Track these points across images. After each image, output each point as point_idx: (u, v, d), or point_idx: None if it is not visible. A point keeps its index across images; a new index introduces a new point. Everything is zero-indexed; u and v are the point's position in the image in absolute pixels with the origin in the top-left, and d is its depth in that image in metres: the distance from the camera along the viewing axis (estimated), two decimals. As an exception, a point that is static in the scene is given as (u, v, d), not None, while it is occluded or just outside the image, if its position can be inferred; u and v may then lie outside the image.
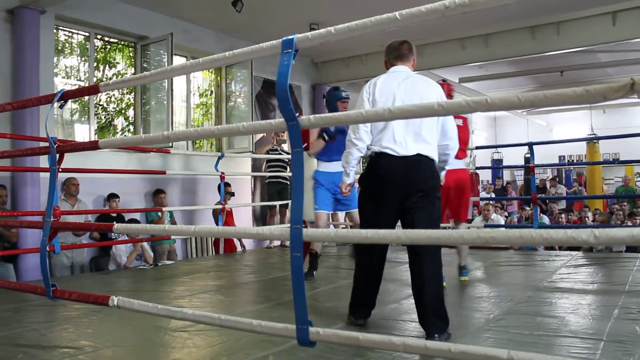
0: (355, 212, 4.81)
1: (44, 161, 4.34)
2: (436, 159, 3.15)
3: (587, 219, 10.49)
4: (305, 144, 1.58)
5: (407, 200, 3.01)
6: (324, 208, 4.89)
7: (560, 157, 17.23)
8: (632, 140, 13.69)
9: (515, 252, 6.62)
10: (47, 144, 2.63)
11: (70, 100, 7.49)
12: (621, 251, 6.90)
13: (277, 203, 7.70)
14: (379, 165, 3.09)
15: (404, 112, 1.50)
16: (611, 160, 13.86)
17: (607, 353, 2.66)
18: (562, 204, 12.03)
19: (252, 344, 2.87)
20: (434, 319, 2.91)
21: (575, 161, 16.73)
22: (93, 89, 2.54)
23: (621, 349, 2.71)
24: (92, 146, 2.62)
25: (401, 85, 3.17)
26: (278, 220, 8.17)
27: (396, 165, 3.02)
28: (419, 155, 3.04)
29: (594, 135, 12.82)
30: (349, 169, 3.29)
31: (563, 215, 10.69)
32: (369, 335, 1.63)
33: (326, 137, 4.77)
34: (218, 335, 3.10)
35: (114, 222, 2.72)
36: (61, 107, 2.62)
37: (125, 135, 8.00)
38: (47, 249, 2.59)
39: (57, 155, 2.62)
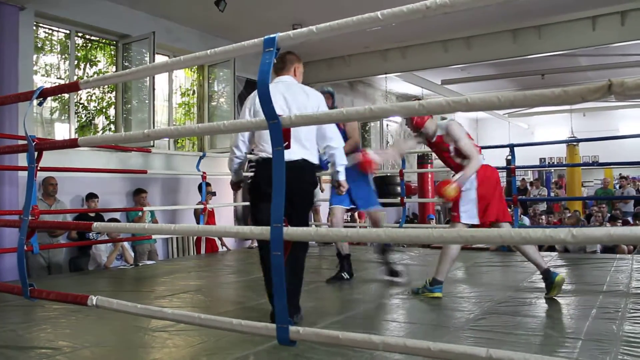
0: (374, 210, 4.87)
1: (22, 160, 4.29)
2: (316, 162, 3.38)
3: (566, 220, 10.61)
4: (286, 143, 1.56)
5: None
6: (339, 203, 4.81)
7: (541, 159, 17.42)
8: (612, 144, 13.90)
9: (495, 253, 6.67)
10: (26, 142, 2.60)
11: (50, 99, 7.43)
12: (595, 251, 6.99)
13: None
14: (261, 170, 3.38)
15: (385, 112, 1.51)
16: (590, 162, 14.03)
17: (585, 352, 2.68)
18: (544, 206, 12.15)
19: (233, 343, 2.86)
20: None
21: (555, 163, 16.91)
22: (73, 87, 2.51)
23: (599, 347, 2.74)
24: (71, 144, 2.59)
25: (283, 94, 3.33)
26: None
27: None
28: (300, 160, 3.25)
29: (574, 138, 12.97)
30: (232, 173, 3.66)
31: (543, 217, 10.80)
32: (349, 334, 1.63)
33: None
34: (198, 335, 3.08)
35: (93, 222, 2.69)
36: (40, 104, 2.59)
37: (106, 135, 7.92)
38: (25, 248, 2.55)
39: (36, 154, 2.59)
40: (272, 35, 1.76)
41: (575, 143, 11.74)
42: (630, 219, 10.28)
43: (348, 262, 4.94)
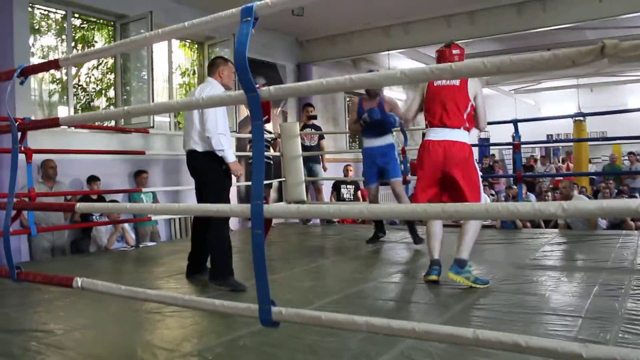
0: (395, 181, 5.39)
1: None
2: (206, 150, 3.98)
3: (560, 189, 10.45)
4: (266, 117, 1.51)
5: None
6: (370, 183, 5.53)
7: (548, 136, 17.21)
8: (619, 119, 13.67)
9: (499, 230, 6.59)
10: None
11: (48, 81, 7.35)
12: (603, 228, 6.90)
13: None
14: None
15: (364, 81, 1.43)
16: (598, 137, 13.83)
17: (585, 330, 2.62)
18: (552, 184, 12.00)
19: (225, 325, 2.82)
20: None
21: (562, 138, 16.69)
22: (53, 64, 2.43)
23: (600, 325, 2.68)
24: (53, 123, 2.52)
25: (200, 92, 4.00)
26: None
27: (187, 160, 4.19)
28: (190, 151, 4.07)
29: (580, 112, 12.78)
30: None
31: (549, 194, 10.68)
32: (332, 314, 1.57)
33: (363, 124, 5.33)
34: (192, 317, 3.05)
35: (77, 204, 2.63)
36: (22, 83, 2.51)
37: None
38: (10, 230, 2.50)
39: (19, 134, 2.52)
40: (249, 5, 1.67)
41: (582, 119, 11.52)
42: (638, 194, 10.16)
43: (382, 225, 5.92)
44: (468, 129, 3.80)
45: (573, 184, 7.39)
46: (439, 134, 3.75)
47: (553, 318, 2.85)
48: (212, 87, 4.02)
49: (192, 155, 4.09)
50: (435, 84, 3.84)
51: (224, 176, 4.08)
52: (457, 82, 3.76)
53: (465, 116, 3.76)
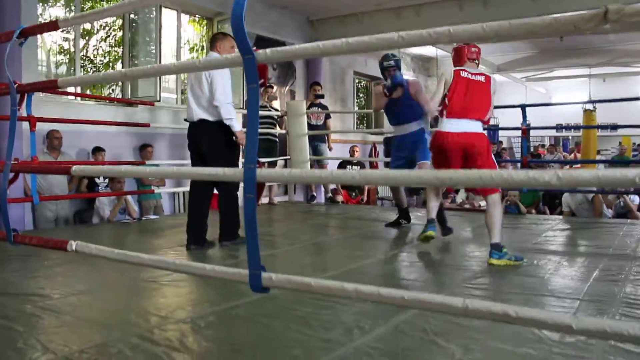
0: (422, 163, 4.98)
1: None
2: (215, 119, 4.12)
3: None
4: (262, 80, 1.48)
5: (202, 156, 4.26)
6: (395, 167, 5.12)
7: (557, 125, 17.07)
8: (631, 109, 13.55)
9: (504, 215, 6.54)
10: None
11: (56, 51, 7.32)
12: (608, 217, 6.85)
13: (265, 160, 7.58)
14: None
15: (361, 44, 1.40)
16: (607, 125, 13.68)
17: (583, 311, 2.61)
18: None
19: (221, 295, 2.81)
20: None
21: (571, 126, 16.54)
22: (52, 25, 2.40)
23: (597, 308, 2.66)
24: (51, 85, 2.51)
25: None
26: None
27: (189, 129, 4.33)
28: (199, 120, 4.19)
29: (590, 100, 12.64)
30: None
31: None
32: (322, 281, 1.55)
33: (387, 92, 5.07)
34: (188, 286, 3.05)
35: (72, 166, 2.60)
36: (21, 44, 2.49)
37: (112, 90, 7.84)
38: (7, 193, 2.50)
39: (18, 96, 2.51)
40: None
41: (592, 108, 11.40)
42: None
43: (406, 212, 5.54)
44: (486, 122, 3.93)
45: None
46: (457, 126, 3.79)
47: (551, 299, 2.83)
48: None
49: (200, 124, 4.16)
50: (462, 75, 3.86)
51: (233, 146, 4.20)
52: (482, 79, 3.88)
53: (488, 112, 3.89)
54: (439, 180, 1.36)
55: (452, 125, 3.80)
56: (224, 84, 4.03)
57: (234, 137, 4.15)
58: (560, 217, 6.55)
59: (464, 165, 3.76)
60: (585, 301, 2.77)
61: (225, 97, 4.01)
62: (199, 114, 4.14)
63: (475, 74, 3.88)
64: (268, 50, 1.60)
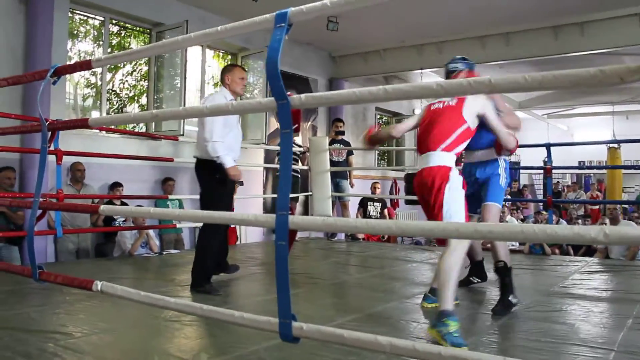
0: (487, 205, 3.68)
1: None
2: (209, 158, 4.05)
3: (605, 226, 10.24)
4: (296, 126, 1.46)
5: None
6: (471, 212, 3.71)
7: (580, 162, 16.90)
8: (656, 147, 13.32)
9: (527, 255, 6.44)
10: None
11: (83, 85, 7.45)
12: None
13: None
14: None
15: (399, 92, 1.38)
16: (632, 166, 13.51)
17: (617, 364, 2.51)
18: (581, 211, 11.76)
19: (245, 337, 2.76)
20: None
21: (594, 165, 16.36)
22: (85, 64, 2.44)
23: (632, 360, 2.56)
24: (82, 124, 2.52)
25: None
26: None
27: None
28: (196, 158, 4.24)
29: (615, 139, 12.50)
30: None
31: (580, 221, 10.45)
32: (355, 333, 1.51)
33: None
34: (211, 327, 3.00)
35: (100, 205, 2.62)
36: (54, 83, 2.52)
37: (136, 124, 7.93)
38: (35, 229, 2.50)
39: (49, 134, 2.53)
40: (283, 10, 1.64)
41: (616, 146, 11.28)
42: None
43: (481, 267, 4.42)
44: (456, 152, 3.29)
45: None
46: (419, 164, 3.37)
47: (583, 349, 2.73)
48: (214, 96, 4.38)
49: (196, 162, 4.25)
50: (432, 108, 3.46)
51: (217, 185, 4.14)
52: (452, 102, 3.36)
53: (453, 137, 3.27)
54: (479, 234, 1.32)
55: (419, 163, 3.43)
56: (212, 121, 3.99)
57: (226, 175, 4.05)
58: (587, 258, 6.41)
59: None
60: (620, 352, 2.67)
61: (211, 135, 3.97)
62: (195, 152, 4.25)
63: (444, 101, 3.39)
64: (303, 95, 1.59)
